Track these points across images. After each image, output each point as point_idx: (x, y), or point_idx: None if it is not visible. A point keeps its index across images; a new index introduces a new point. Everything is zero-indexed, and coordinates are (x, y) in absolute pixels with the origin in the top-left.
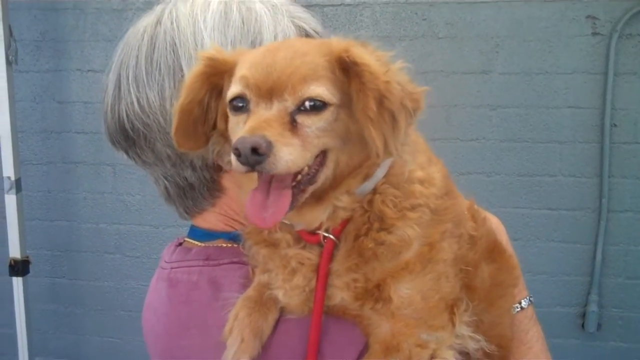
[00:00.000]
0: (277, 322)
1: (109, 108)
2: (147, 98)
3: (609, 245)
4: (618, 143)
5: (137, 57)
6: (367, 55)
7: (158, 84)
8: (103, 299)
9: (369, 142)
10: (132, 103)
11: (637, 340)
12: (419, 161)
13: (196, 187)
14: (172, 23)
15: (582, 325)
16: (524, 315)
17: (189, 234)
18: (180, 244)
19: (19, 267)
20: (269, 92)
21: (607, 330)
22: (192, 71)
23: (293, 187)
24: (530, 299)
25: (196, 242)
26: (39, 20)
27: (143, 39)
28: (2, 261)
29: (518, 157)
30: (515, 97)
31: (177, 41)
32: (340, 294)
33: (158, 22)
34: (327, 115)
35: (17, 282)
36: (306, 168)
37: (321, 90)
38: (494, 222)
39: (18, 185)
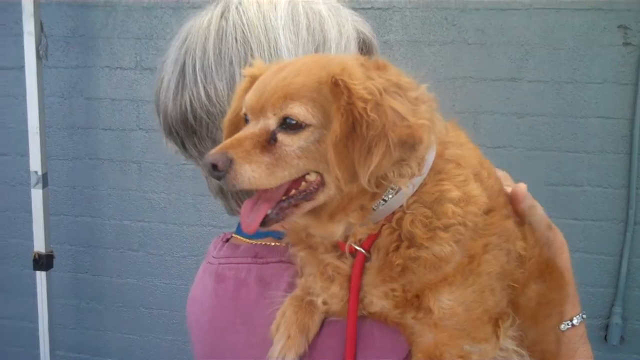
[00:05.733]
0: (324, 323)
1: (171, 97)
2: (215, 88)
3: (635, 258)
4: None
5: (204, 48)
6: (357, 79)
7: (228, 74)
8: (125, 296)
9: (330, 167)
10: (198, 93)
11: None
12: (455, 180)
13: None
14: (241, 18)
15: (605, 338)
16: (574, 332)
17: (237, 231)
18: (228, 239)
19: (43, 261)
20: (259, 111)
21: (630, 343)
22: (238, 86)
23: (282, 201)
24: (583, 316)
25: (244, 239)
26: (69, 16)
27: (209, 31)
28: (26, 255)
29: (545, 166)
30: (544, 106)
31: (247, 34)
32: (380, 302)
33: (223, 16)
34: (306, 135)
35: (41, 276)
36: (304, 184)
37: (298, 110)
38: (558, 239)
39: (44, 180)
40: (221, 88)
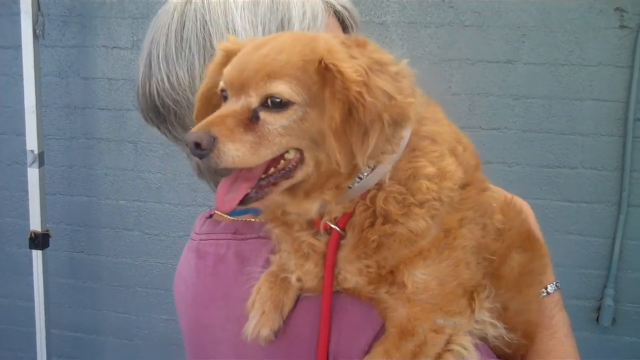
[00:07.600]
0: (299, 299)
1: (140, 85)
2: (177, 75)
3: (627, 240)
4: None
5: (167, 35)
6: (345, 61)
7: (187, 62)
8: (120, 275)
9: (330, 152)
10: (162, 80)
11: None
12: (430, 156)
13: None
14: (202, 1)
15: (597, 319)
16: (549, 300)
17: None
18: (211, 216)
19: (39, 240)
20: (240, 88)
21: (622, 325)
22: (212, 61)
23: (261, 180)
24: (557, 284)
25: (225, 216)
26: None
27: (173, 17)
28: (22, 234)
29: (539, 148)
30: (540, 88)
31: (207, 19)
32: (354, 279)
33: (188, 0)
34: (290, 113)
35: (37, 255)
36: (282, 162)
37: (282, 87)
38: (524, 208)
39: (41, 159)
40: (182, 75)
